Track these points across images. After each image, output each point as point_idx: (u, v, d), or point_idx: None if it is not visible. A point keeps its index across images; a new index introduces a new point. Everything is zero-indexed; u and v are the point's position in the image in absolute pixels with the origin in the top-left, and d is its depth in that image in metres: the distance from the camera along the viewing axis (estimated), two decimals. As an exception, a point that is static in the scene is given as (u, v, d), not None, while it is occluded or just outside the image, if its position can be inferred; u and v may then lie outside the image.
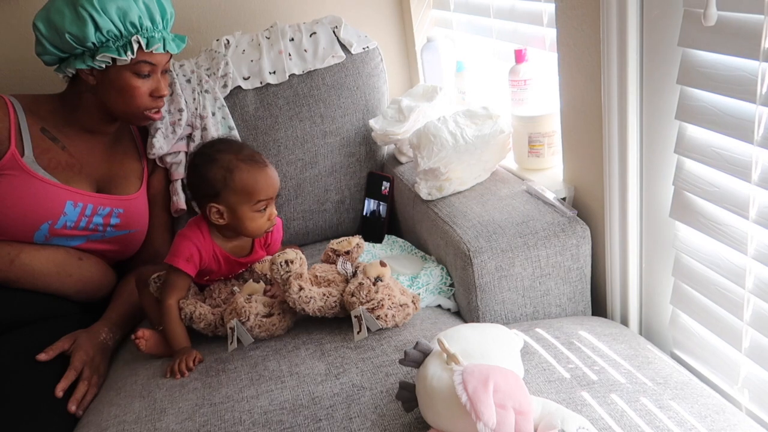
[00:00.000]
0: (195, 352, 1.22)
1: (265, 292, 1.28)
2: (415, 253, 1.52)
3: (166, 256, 1.28)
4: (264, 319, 1.23)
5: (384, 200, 1.69)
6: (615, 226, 1.23)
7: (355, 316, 1.19)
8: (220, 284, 1.34)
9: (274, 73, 1.66)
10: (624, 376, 1.03)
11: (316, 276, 1.28)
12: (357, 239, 1.32)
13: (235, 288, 1.31)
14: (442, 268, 1.40)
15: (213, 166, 1.24)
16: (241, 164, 1.24)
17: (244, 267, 1.36)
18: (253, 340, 1.23)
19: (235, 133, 1.62)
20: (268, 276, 1.30)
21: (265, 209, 1.26)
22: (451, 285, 1.38)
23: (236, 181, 1.23)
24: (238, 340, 1.23)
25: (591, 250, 1.30)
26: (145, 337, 1.24)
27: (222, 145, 1.30)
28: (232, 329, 1.22)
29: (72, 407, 1.21)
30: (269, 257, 1.33)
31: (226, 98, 1.63)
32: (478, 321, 1.29)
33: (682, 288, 1.16)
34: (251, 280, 1.29)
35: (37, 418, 1.17)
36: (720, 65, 0.95)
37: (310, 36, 1.69)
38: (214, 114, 1.61)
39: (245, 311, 1.21)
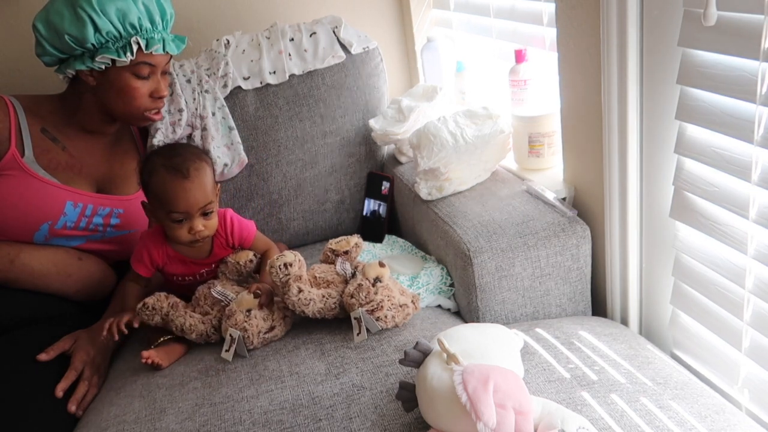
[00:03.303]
0: (128, 315, 1.25)
1: (256, 298, 1.23)
2: (415, 253, 1.52)
3: None
4: (267, 335, 1.22)
5: (384, 200, 1.69)
6: (615, 226, 1.23)
7: (355, 318, 1.18)
8: (203, 289, 1.31)
9: (274, 73, 1.66)
10: (624, 376, 1.03)
11: (315, 277, 1.28)
12: (355, 239, 1.32)
13: (217, 289, 1.27)
14: (442, 268, 1.40)
15: (144, 165, 1.27)
16: (162, 170, 1.22)
17: (206, 267, 1.35)
18: (248, 357, 1.21)
19: (235, 133, 1.62)
20: (241, 263, 1.31)
21: (182, 221, 1.23)
22: (451, 285, 1.38)
23: (152, 186, 1.24)
24: (236, 352, 1.21)
25: (591, 250, 1.30)
26: (153, 356, 1.22)
27: (165, 149, 1.33)
28: (233, 337, 1.19)
29: (72, 407, 1.21)
30: (246, 253, 1.34)
31: (226, 98, 1.63)
32: (478, 321, 1.29)
33: (682, 288, 1.16)
34: (243, 293, 1.24)
35: (37, 418, 1.17)
36: (720, 65, 0.95)
37: (310, 36, 1.69)
38: (214, 114, 1.61)
39: (250, 336, 1.19)
